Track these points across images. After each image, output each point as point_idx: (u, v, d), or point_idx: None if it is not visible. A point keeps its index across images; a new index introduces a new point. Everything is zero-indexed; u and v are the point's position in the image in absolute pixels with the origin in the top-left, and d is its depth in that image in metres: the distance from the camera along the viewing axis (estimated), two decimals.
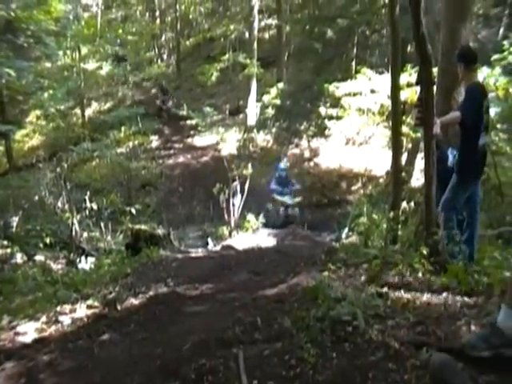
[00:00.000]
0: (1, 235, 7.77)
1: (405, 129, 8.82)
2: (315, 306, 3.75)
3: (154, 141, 15.58)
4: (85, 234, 8.75)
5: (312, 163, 13.25)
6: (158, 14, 23.77)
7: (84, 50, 17.68)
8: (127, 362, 3.55)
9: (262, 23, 19.67)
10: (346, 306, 3.64)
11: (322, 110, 13.32)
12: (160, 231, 7.45)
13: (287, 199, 10.72)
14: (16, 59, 11.80)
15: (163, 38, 22.96)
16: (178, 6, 21.05)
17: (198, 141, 15.27)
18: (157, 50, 22.33)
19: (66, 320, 4.64)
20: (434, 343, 2.95)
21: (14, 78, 11.90)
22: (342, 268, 4.63)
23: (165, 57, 22.58)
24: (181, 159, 14.29)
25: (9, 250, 7.68)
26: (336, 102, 12.82)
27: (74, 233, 8.30)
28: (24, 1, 12.90)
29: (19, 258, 7.77)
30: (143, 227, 7.50)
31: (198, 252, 7.59)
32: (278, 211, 10.64)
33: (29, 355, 3.87)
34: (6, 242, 7.66)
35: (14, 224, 8.52)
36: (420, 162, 5.38)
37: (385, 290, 4.02)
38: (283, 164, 11.14)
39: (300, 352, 3.16)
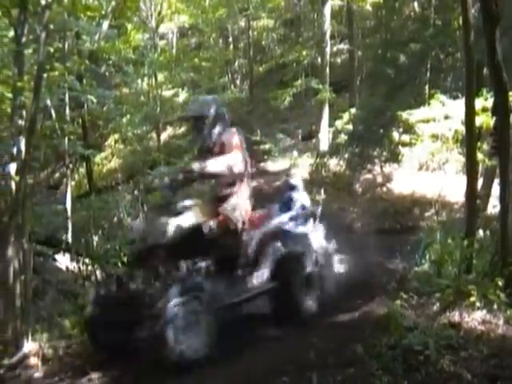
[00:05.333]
0: (83, 253, 8.18)
1: (480, 155, 8.66)
2: (387, 334, 3.79)
3: None
4: None
5: (385, 189, 13.16)
6: (231, 40, 24.32)
7: (160, 77, 18.34)
8: None
9: (334, 48, 19.79)
10: (417, 335, 3.66)
11: (395, 136, 13.24)
12: None
13: None
14: (98, 87, 12.40)
15: (236, 64, 23.46)
16: (250, 33, 21.49)
17: (271, 166, 15.47)
18: (230, 76, 22.83)
19: None
20: (508, 377, 2.94)
21: (95, 105, 12.55)
22: (414, 297, 4.63)
23: (238, 82, 23.06)
24: (253, 183, 14.47)
25: (89, 268, 8.08)
26: (409, 128, 12.71)
27: None
28: (106, 32, 13.64)
29: (99, 275, 8.16)
30: None
31: None
32: None
33: None
34: (87, 260, 8.07)
35: (95, 243, 8.96)
36: (497, 189, 5.29)
37: (458, 320, 4.01)
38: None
39: (372, 379, 3.22)
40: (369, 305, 4.86)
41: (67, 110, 11.73)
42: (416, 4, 18.14)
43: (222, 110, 5.27)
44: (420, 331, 3.76)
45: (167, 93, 18.48)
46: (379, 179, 13.49)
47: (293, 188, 8.39)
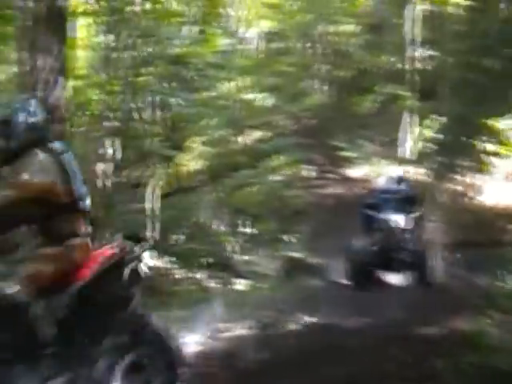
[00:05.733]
0: (167, 251, 8.48)
1: None
2: (470, 351, 3.68)
3: (307, 170, 15.90)
4: (241, 257, 9.22)
5: (470, 200, 12.74)
6: (313, 45, 24.33)
7: (243, 81, 18.57)
8: None
9: (417, 54, 19.36)
10: (504, 354, 3.53)
11: (482, 145, 12.80)
12: (312, 260, 7.62)
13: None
14: (181, 91, 12.83)
15: (318, 69, 23.44)
16: (332, 38, 21.46)
17: (350, 172, 15.36)
18: (311, 81, 22.83)
19: (225, 337, 4.98)
20: None
21: (179, 108, 13.00)
22: (501, 314, 4.46)
23: (319, 87, 23.01)
24: (332, 189, 14.48)
25: (170, 265, 8.39)
26: (498, 137, 12.27)
27: (230, 255, 8.82)
28: (189, 37, 14.08)
29: (178, 273, 8.44)
30: (297, 255, 7.71)
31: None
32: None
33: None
34: (168, 258, 8.39)
35: (178, 242, 9.26)
36: None
37: None
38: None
39: None
40: (452, 320, 4.71)
41: (152, 112, 12.15)
42: (505, 5, 17.47)
43: (36, 118, 3.46)
44: (507, 350, 3.61)
45: (249, 96, 18.67)
46: (465, 190, 13.05)
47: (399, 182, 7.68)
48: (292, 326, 5.34)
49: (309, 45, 24.18)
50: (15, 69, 10.66)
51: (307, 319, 5.40)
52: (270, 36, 25.27)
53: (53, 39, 5.85)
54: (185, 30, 14.29)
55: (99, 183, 7.22)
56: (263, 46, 24.41)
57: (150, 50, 10.81)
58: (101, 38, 10.80)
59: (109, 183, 6.98)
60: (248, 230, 9.95)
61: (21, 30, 9.13)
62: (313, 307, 5.75)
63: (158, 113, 12.96)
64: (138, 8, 9.65)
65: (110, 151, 8.22)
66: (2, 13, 10.33)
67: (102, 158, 8.02)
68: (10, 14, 10.32)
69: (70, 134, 7.77)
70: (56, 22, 5.92)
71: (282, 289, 7.17)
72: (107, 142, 8.49)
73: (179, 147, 15.95)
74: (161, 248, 8.73)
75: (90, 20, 10.49)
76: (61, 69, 5.91)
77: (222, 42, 18.44)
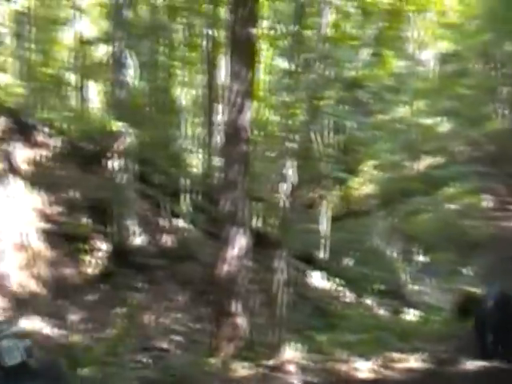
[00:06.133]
0: (338, 273, 8.56)
1: None
2: None
3: (487, 200, 15.01)
4: (412, 286, 9.01)
5: None
6: (494, 66, 23.05)
7: (419, 105, 18.13)
8: None
9: None
10: None
11: None
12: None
13: None
14: (356, 113, 12.94)
15: (500, 92, 22.13)
16: None
17: None
18: (493, 105, 21.58)
19: (397, 367, 4.89)
20: None
21: (353, 131, 13.10)
22: None
23: (502, 111, 21.69)
24: None
25: (340, 288, 8.43)
26: None
27: (402, 283, 8.65)
28: (365, 59, 14.16)
29: (348, 297, 8.45)
30: (473, 290, 7.31)
31: None
32: None
33: None
34: (339, 281, 8.44)
35: (350, 266, 9.31)
36: None
37: None
38: None
39: None
40: None
41: (328, 134, 12.38)
42: None
43: None
44: None
45: (426, 121, 18.13)
46: None
47: None
48: (465, 365, 5.07)
49: (490, 66, 22.95)
50: (198, 92, 11.58)
51: (480, 359, 5.08)
52: (447, 57, 24.40)
53: (241, 64, 6.19)
54: (361, 52, 14.38)
55: (278, 202, 7.50)
56: (440, 67, 23.64)
57: (327, 73, 11.05)
58: (279, 62, 11.26)
59: (286, 203, 7.24)
60: (421, 259, 9.68)
61: (207, 56, 9.88)
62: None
63: (333, 135, 13.16)
64: (315, 32, 9.92)
65: (287, 171, 8.50)
66: (190, 41, 11.32)
67: (280, 178, 8.33)
68: (196, 41, 11.29)
69: (251, 154, 8.22)
70: (245, 47, 6.26)
71: (455, 323, 6.82)
72: (285, 163, 8.78)
73: (352, 170, 16.02)
74: (332, 270, 8.81)
75: (268, 44, 11.03)
76: (247, 92, 6.26)
77: (398, 65, 18.25)
